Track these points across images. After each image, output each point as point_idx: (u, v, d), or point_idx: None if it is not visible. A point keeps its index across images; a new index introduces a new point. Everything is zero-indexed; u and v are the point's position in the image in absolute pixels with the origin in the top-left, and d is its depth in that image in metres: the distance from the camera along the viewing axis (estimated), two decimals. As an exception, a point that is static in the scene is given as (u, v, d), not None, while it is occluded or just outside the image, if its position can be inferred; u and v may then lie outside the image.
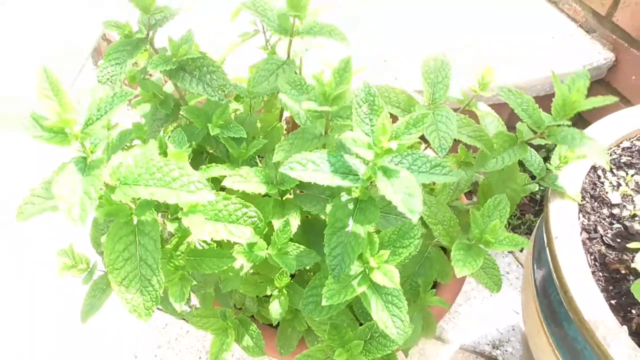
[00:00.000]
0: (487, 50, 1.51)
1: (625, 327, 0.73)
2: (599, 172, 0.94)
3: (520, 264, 1.49)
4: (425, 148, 0.95)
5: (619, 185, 0.92)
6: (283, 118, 1.02)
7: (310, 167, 0.58)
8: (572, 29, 1.59)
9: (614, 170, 0.95)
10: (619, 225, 0.87)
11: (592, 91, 1.48)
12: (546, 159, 0.88)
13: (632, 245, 0.82)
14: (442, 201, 0.85)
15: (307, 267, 0.97)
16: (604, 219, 0.88)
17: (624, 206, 0.89)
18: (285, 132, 0.98)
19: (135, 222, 0.55)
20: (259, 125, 0.95)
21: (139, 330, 1.35)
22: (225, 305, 0.92)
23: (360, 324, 0.79)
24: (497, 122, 0.89)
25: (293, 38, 0.80)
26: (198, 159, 0.94)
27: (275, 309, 0.79)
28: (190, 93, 0.92)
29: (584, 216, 0.88)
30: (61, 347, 1.31)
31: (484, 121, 0.88)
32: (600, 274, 0.81)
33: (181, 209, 0.61)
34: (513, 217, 1.56)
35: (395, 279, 0.62)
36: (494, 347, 1.32)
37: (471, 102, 0.83)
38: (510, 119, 1.45)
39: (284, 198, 0.81)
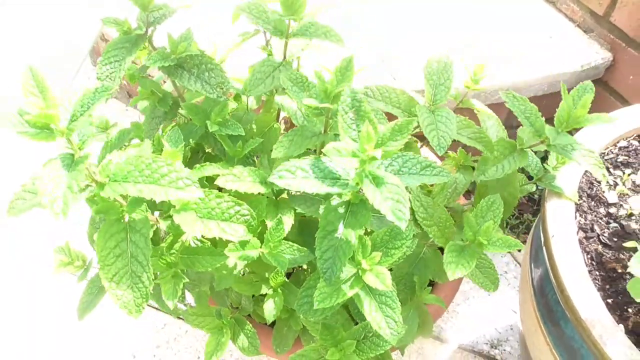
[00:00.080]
0: (486, 50, 1.51)
1: (621, 325, 0.73)
2: (596, 171, 0.94)
3: (519, 263, 1.49)
4: (422, 146, 0.94)
5: (616, 184, 0.92)
6: (280, 118, 1.03)
7: (299, 175, 0.58)
8: (570, 28, 1.59)
9: (611, 170, 0.94)
10: (616, 225, 0.86)
11: (591, 91, 1.48)
12: (544, 158, 0.88)
13: (628, 244, 0.82)
14: (439, 203, 0.84)
15: (303, 267, 0.97)
16: (601, 218, 0.88)
17: (621, 205, 0.89)
18: (283, 132, 0.98)
19: (126, 219, 0.55)
20: (254, 126, 0.95)
21: (138, 330, 1.35)
22: (221, 304, 0.92)
23: (356, 323, 0.79)
24: (498, 126, 0.89)
25: (289, 40, 0.80)
26: (195, 158, 0.95)
27: (270, 309, 0.79)
28: (188, 91, 0.92)
29: (580, 215, 0.88)
30: (60, 346, 1.31)
31: (485, 124, 0.88)
32: (597, 272, 0.81)
33: (174, 206, 0.61)
34: (511, 217, 1.56)
35: (387, 281, 0.62)
36: (492, 347, 1.32)
37: (464, 100, 0.83)
38: (509, 119, 1.45)
39: (278, 198, 0.81)
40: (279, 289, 0.81)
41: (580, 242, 0.84)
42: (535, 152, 0.88)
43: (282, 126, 1.00)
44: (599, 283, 0.80)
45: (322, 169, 0.59)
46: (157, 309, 1.37)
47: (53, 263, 0.82)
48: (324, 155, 0.57)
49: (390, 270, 0.64)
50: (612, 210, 0.89)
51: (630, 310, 0.76)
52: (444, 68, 0.81)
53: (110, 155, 0.56)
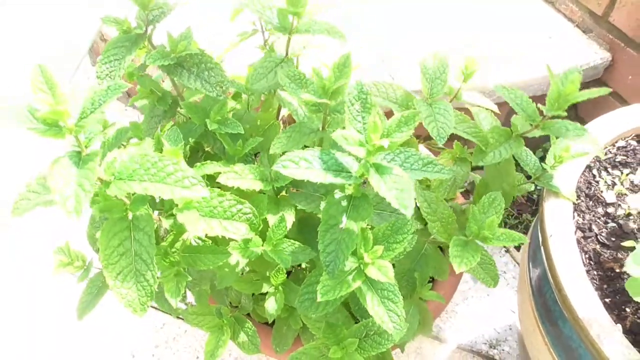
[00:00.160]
0: (486, 50, 1.52)
1: (619, 325, 0.74)
2: (594, 171, 0.95)
3: (517, 263, 1.50)
4: (420, 142, 0.95)
5: (614, 184, 0.93)
6: (280, 117, 1.03)
7: (302, 165, 0.59)
8: (569, 29, 1.60)
9: (609, 169, 0.95)
10: (614, 224, 0.87)
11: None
12: (542, 159, 0.88)
13: (626, 243, 0.82)
14: (439, 197, 0.85)
15: (303, 266, 0.98)
16: (599, 218, 0.88)
17: (619, 205, 0.89)
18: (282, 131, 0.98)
19: (130, 217, 0.55)
20: (258, 122, 0.96)
21: (137, 329, 1.35)
22: (221, 303, 0.92)
23: (356, 322, 0.80)
24: (491, 118, 0.90)
25: (292, 36, 0.80)
26: (194, 157, 0.95)
27: (271, 306, 0.80)
28: (187, 90, 0.92)
29: (578, 215, 0.88)
30: (59, 346, 1.31)
31: (478, 117, 0.88)
32: (595, 272, 0.82)
33: (176, 205, 0.61)
34: (510, 217, 1.57)
35: (389, 273, 0.62)
36: (491, 347, 1.32)
37: (457, 95, 0.84)
38: (509, 119, 1.45)
39: (279, 196, 0.81)
40: (279, 287, 0.81)
41: (578, 242, 0.85)
42: (534, 152, 0.88)
43: (282, 126, 1.00)
44: (597, 282, 0.80)
45: (325, 160, 0.60)
46: (156, 308, 1.37)
47: (53, 263, 0.82)
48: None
49: (392, 266, 0.64)
50: (610, 209, 0.89)
51: (628, 309, 0.77)
52: (439, 63, 0.82)
53: (114, 154, 0.56)
